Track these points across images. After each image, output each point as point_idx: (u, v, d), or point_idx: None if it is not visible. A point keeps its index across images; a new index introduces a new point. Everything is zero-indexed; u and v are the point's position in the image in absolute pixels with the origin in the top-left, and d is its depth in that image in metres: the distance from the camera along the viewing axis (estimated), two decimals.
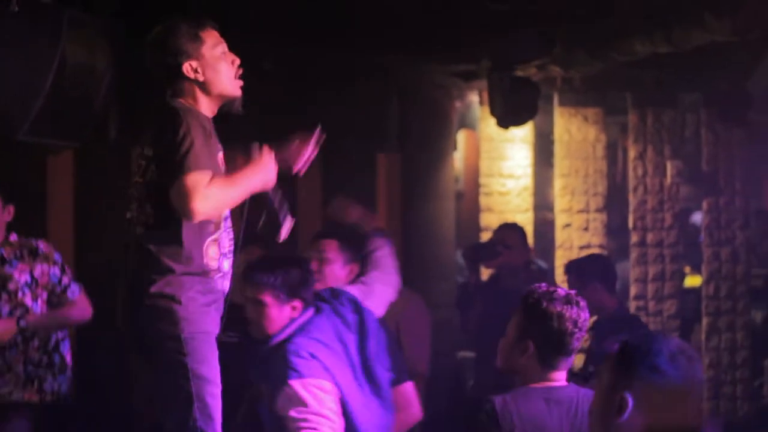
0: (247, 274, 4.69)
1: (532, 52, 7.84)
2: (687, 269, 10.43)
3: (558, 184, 9.79)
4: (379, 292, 5.05)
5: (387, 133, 8.69)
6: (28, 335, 5.32)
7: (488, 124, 9.90)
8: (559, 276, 8.80)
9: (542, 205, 11.17)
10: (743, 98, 9.22)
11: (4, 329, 5.24)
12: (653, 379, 2.73)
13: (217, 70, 4.02)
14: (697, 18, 6.27)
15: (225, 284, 4.08)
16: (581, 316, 3.73)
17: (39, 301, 5.37)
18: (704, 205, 9.71)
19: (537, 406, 3.68)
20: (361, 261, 5.24)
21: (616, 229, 10.43)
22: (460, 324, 8.08)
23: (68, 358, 5.49)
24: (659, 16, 6.59)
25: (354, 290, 4.92)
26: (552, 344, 3.72)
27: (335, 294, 4.82)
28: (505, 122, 8.29)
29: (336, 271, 5.24)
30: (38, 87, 5.25)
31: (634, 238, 9.63)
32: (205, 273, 3.96)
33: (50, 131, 5.48)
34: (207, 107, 4.02)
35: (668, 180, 9.59)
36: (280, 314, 4.60)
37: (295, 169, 4.20)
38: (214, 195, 3.79)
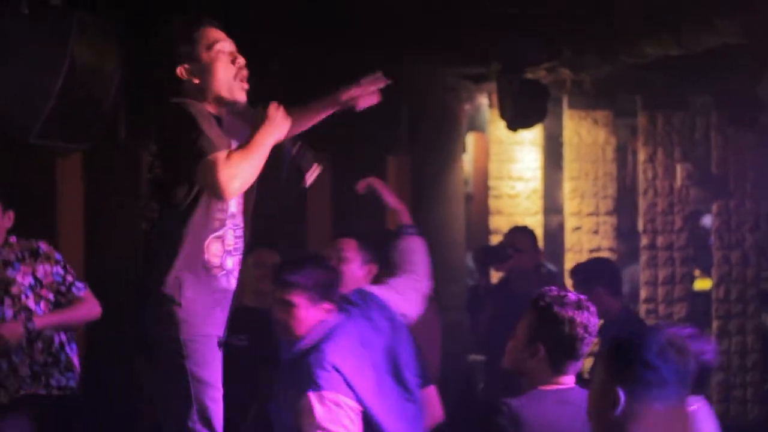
0: (277, 274, 4.63)
1: (541, 54, 7.83)
2: (697, 272, 10.41)
3: (567, 187, 9.78)
4: (409, 295, 4.99)
5: (396, 136, 8.68)
6: (33, 337, 5.31)
7: (498, 127, 9.89)
8: (569, 279, 8.78)
9: (552, 208, 11.15)
10: (754, 101, 9.20)
11: (12, 332, 5.22)
12: (644, 374, 2.76)
13: (212, 73, 3.91)
14: (707, 20, 6.26)
15: (230, 282, 4.02)
16: (591, 321, 3.72)
17: (42, 304, 5.35)
18: (714, 207, 9.69)
19: (550, 409, 3.67)
20: (390, 259, 5.19)
21: (626, 232, 10.42)
22: (470, 327, 8.07)
23: (75, 359, 5.48)
24: (668, 18, 6.58)
25: (383, 292, 4.86)
26: (563, 349, 3.70)
27: (364, 297, 4.75)
28: (514, 125, 8.28)
29: (354, 270, 5.19)
30: (48, 89, 5.24)
31: (644, 241, 9.61)
32: (206, 270, 3.91)
33: (60, 133, 5.47)
34: (211, 108, 3.93)
35: (678, 183, 9.58)
36: (310, 316, 4.52)
37: (358, 106, 4.16)
38: (236, 165, 3.71)
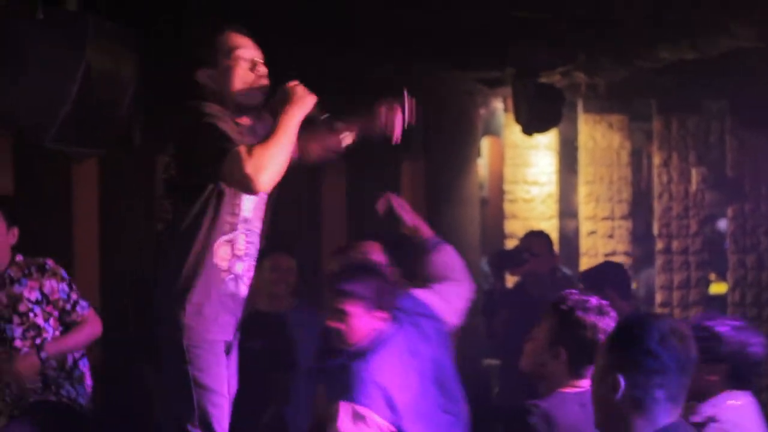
0: (333, 283, 4.52)
1: (556, 58, 7.82)
2: (712, 276, 10.39)
3: (582, 191, 9.77)
4: (453, 301, 4.90)
5: (411, 140, 8.67)
6: (45, 366, 5.26)
7: (513, 131, 9.89)
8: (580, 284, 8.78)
9: (567, 212, 11.14)
10: None
11: (29, 367, 5.17)
12: (646, 362, 2.76)
13: (230, 78, 3.90)
14: (723, 24, 6.25)
15: (240, 287, 3.99)
16: (611, 326, 3.72)
17: (51, 321, 5.28)
18: (729, 211, 9.68)
19: (573, 411, 3.67)
20: (426, 273, 5.13)
21: (641, 236, 10.41)
22: (485, 331, 8.06)
23: (87, 375, 5.44)
24: (684, 22, 6.57)
25: (429, 297, 4.77)
26: (585, 354, 3.69)
27: (415, 304, 4.68)
28: (529, 129, 8.27)
29: None
30: (64, 94, 5.25)
31: (659, 245, 9.60)
32: (214, 273, 3.88)
33: (76, 138, 5.48)
34: (230, 112, 3.90)
35: (693, 187, 9.56)
36: (364, 324, 4.44)
37: (394, 138, 4.16)
38: (263, 154, 3.63)
